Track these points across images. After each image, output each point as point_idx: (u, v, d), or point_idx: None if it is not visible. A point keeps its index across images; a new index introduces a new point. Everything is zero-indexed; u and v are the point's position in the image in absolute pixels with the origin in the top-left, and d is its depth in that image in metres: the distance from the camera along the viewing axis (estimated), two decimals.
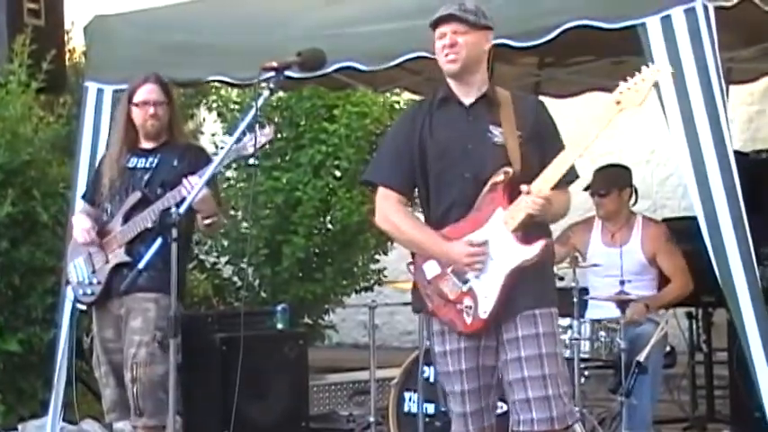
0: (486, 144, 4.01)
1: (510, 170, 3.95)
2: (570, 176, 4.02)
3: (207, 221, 5.08)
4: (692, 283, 5.87)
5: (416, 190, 4.16)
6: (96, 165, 5.61)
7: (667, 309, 6.09)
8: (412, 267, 4.16)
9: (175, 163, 5.15)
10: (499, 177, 3.96)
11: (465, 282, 4.00)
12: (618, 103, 3.87)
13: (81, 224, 5.25)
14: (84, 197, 5.54)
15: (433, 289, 4.07)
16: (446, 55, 4.02)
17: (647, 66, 3.95)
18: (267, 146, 5.10)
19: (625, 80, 3.90)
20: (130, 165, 5.23)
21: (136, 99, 5.20)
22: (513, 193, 3.95)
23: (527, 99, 4.21)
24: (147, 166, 5.21)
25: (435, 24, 4.05)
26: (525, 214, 3.91)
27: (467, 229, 3.99)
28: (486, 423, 4.10)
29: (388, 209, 4.13)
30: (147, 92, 5.19)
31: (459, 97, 4.08)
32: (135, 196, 5.15)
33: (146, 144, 5.25)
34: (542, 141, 4.03)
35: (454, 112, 4.08)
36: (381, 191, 4.15)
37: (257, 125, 4.72)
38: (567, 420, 3.98)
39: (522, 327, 3.96)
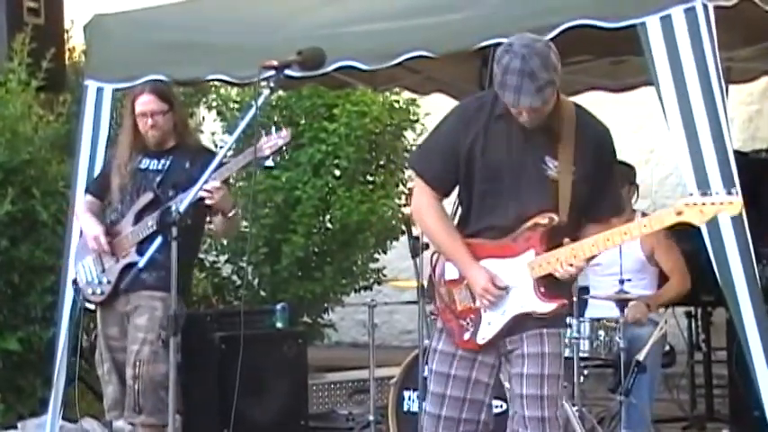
0: (539, 176, 3.88)
1: (556, 218, 3.87)
2: (615, 210, 4.06)
3: (230, 214, 5.10)
4: (689, 280, 5.88)
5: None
6: (103, 163, 5.64)
7: (667, 308, 6.10)
8: (434, 256, 4.11)
9: (187, 165, 5.18)
10: (543, 221, 3.88)
11: (476, 300, 3.97)
12: (679, 213, 3.79)
13: (91, 230, 5.27)
14: (88, 190, 5.54)
15: (445, 292, 4.05)
16: (524, 121, 3.83)
17: (726, 193, 3.84)
18: (284, 148, 5.12)
19: (697, 195, 3.80)
20: (142, 166, 5.26)
21: (136, 110, 5.25)
22: (550, 241, 3.88)
23: (592, 128, 3.97)
24: (160, 167, 5.25)
25: (508, 103, 3.81)
26: (551, 271, 3.87)
27: (495, 253, 3.94)
28: None
29: (423, 204, 4.06)
30: (144, 103, 5.23)
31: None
32: (147, 197, 5.18)
33: (156, 148, 5.29)
34: (597, 182, 3.92)
35: (512, 133, 3.91)
36: (420, 182, 4.07)
37: (273, 127, 4.76)
38: None
39: (529, 344, 3.94)
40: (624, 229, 3.87)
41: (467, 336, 3.98)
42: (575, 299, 5.41)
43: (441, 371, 4.03)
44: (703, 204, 3.77)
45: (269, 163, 5.20)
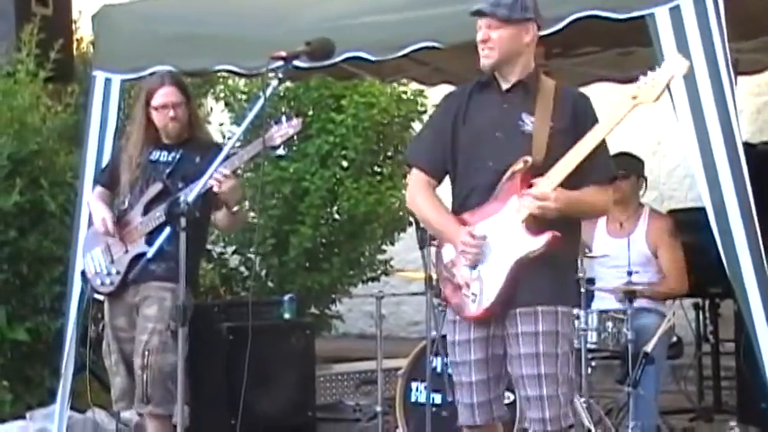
0: (515, 132, 4.00)
1: (529, 159, 3.94)
2: (607, 173, 4.05)
3: (234, 209, 5.10)
4: (685, 284, 5.87)
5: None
6: (112, 155, 5.63)
7: (674, 300, 6.09)
8: (435, 253, 4.21)
9: (198, 160, 5.17)
10: (518, 166, 3.96)
11: (474, 268, 4.02)
12: (634, 97, 3.88)
13: (100, 213, 5.28)
14: (97, 180, 5.55)
15: (447, 273, 4.11)
16: (481, 50, 4.01)
17: (664, 61, 3.93)
18: (295, 137, 5.12)
19: (644, 74, 3.88)
20: (153, 158, 5.26)
21: (155, 102, 5.22)
22: (531, 183, 3.95)
23: (569, 91, 4.15)
24: (170, 159, 5.25)
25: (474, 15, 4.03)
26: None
27: (484, 214, 4.02)
28: (496, 414, 4.09)
29: (416, 190, 4.21)
30: (165, 95, 5.21)
31: (499, 82, 4.08)
32: (156, 187, 5.19)
33: (167, 141, 5.28)
34: (578, 136, 3.98)
35: (491, 99, 4.09)
36: (414, 171, 4.23)
37: (284, 116, 4.76)
38: (560, 423, 3.95)
39: (523, 323, 3.96)
40: (590, 135, 3.91)
41: (474, 305, 4.01)
42: (582, 290, 5.44)
43: (462, 360, 4.09)
44: (652, 80, 3.88)
45: (280, 152, 5.20)
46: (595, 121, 4.06)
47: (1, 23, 6.94)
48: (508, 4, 3.98)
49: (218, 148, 5.42)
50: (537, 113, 4.00)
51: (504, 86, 4.07)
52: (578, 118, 4.04)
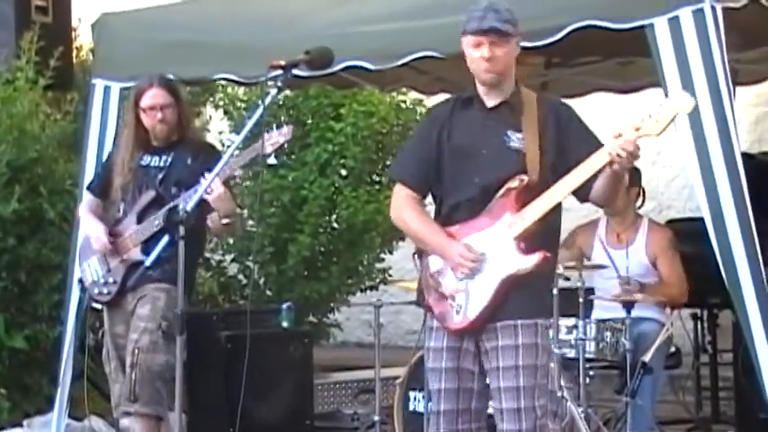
0: (501, 149, 4.01)
1: (525, 178, 3.96)
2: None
3: (225, 221, 5.08)
4: (685, 295, 5.87)
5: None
6: (105, 159, 5.61)
7: (673, 310, 6.09)
8: (418, 260, 4.21)
9: (189, 161, 5.16)
10: (514, 184, 3.97)
11: (461, 280, 4.03)
12: (637, 129, 3.85)
13: (93, 231, 5.26)
14: (89, 188, 5.52)
15: (433, 282, 4.12)
16: (485, 69, 4.00)
17: (670, 98, 3.92)
18: (285, 145, 5.11)
19: (650, 106, 3.87)
20: (144, 163, 5.24)
21: (143, 104, 5.19)
22: (525, 201, 3.96)
23: (550, 104, 4.15)
24: (162, 164, 5.22)
25: (472, 31, 4.01)
26: (529, 224, 3.93)
27: (474, 228, 4.02)
28: (461, 426, 4.07)
29: (400, 205, 4.21)
30: (153, 97, 5.18)
31: (483, 99, 4.09)
32: (149, 195, 5.16)
33: (157, 143, 5.26)
34: (563, 149, 4.01)
35: (475, 115, 4.10)
36: (398, 186, 4.24)
37: (275, 124, 4.75)
38: None
39: (503, 337, 3.98)
40: (590, 160, 3.90)
41: (458, 316, 4.02)
42: (580, 299, 5.44)
43: (434, 367, 4.11)
44: (657, 113, 3.85)
45: (272, 161, 5.19)
46: (580, 127, 4.07)
47: (1, 31, 6.96)
48: (510, 19, 4.00)
49: (210, 147, 5.46)
50: (525, 131, 4.00)
51: (489, 104, 4.08)
52: (562, 131, 4.04)
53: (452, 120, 4.12)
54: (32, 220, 6.51)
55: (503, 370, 3.96)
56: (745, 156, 4.68)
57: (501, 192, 3.99)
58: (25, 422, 6.33)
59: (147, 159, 5.25)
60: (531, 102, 4.08)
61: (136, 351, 5.03)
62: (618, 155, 3.81)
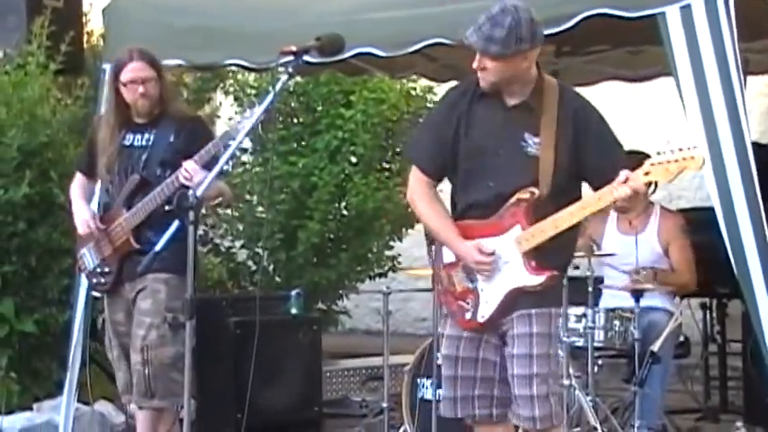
0: (517, 154, 3.99)
1: (536, 192, 3.95)
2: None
3: (212, 203, 5.04)
4: (695, 282, 5.87)
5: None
6: (87, 139, 5.44)
7: (682, 299, 6.08)
8: (434, 247, 4.20)
9: (172, 139, 5.06)
10: (525, 195, 3.96)
11: (472, 281, 4.07)
12: (646, 174, 3.89)
13: (80, 214, 5.21)
14: (78, 167, 5.43)
15: (445, 274, 4.14)
16: (480, 77, 3.99)
17: (686, 148, 3.92)
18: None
19: (659, 153, 3.91)
20: (126, 142, 5.12)
21: (123, 78, 5.04)
22: (535, 214, 3.96)
23: (571, 103, 4.04)
24: (144, 143, 5.10)
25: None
26: (537, 243, 3.95)
27: (484, 232, 4.03)
28: (479, 411, 4.11)
29: (417, 190, 4.20)
30: (134, 70, 5.02)
31: (503, 95, 4.04)
32: (134, 180, 5.07)
33: (139, 119, 5.13)
34: (579, 152, 3.99)
35: (493, 112, 4.05)
36: (415, 169, 4.22)
37: (248, 107, 4.68)
38: (551, 421, 4.01)
39: (518, 325, 4.01)
40: (598, 195, 3.94)
41: (468, 316, 4.07)
42: (589, 288, 5.43)
43: (449, 354, 4.14)
44: (668, 162, 3.88)
45: (246, 144, 5.07)
46: (599, 132, 4.03)
47: (12, 16, 6.95)
48: (501, 39, 3.85)
49: (192, 120, 5.27)
50: (542, 135, 3.96)
51: (509, 102, 4.04)
52: (580, 134, 4.00)
53: (471, 114, 4.07)
54: (43, 205, 6.52)
55: (516, 357, 4.00)
56: (756, 145, 4.67)
57: (513, 200, 3.98)
58: (35, 406, 6.35)
59: (129, 138, 5.12)
60: (552, 101, 4.00)
61: (145, 348, 4.99)
62: (622, 198, 3.87)
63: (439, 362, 5.46)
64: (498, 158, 4.01)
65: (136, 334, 5.04)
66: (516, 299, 4.01)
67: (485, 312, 4.04)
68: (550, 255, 4.00)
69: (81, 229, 5.18)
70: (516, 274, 4.00)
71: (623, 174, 3.87)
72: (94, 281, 5.25)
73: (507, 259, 4.01)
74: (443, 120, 4.15)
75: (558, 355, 4.13)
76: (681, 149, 3.91)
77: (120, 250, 5.10)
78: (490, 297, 4.04)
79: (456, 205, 4.16)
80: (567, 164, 3.98)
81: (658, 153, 3.92)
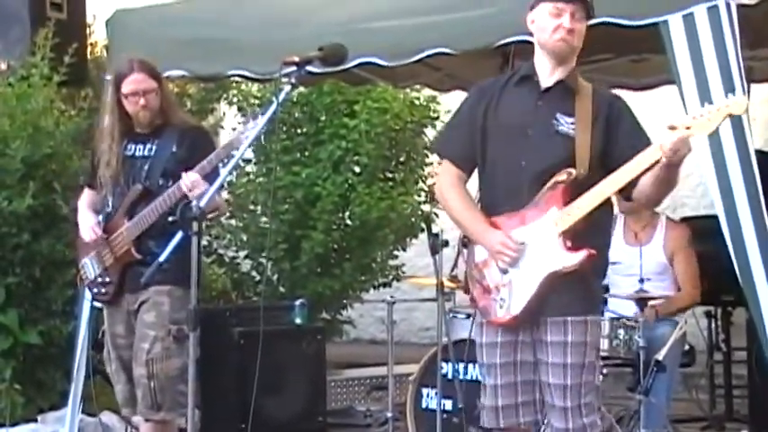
0: (549, 132, 3.93)
1: (573, 172, 3.88)
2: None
3: (210, 215, 4.96)
4: (698, 295, 5.85)
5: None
6: (91, 153, 5.41)
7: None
8: (464, 249, 4.18)
9: (174, 149, 5.03)
10: (562, 177, 3.90)
11: (505, 273, 3.99)
12: (688, 128, 3.76)
13: (86, 221, 5.20)
14: (84, 181, 5.42)
15: (477, 273, 4.07)
16: (561, 38, 3.92)
17: (726, 96, 3.86)
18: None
19: (701, 105, 3.83)
20: (128, 152, 5.10)
21: (124, 90, 5.02)
22: (572, 195, 3.89)
23: (604, 95, 4.06)
24: (146, 153, 5.08)
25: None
26: (575, 220, 3.87)
27: (519, 221, 3.96)
28: (522, 419, 4.03)
29: (445, 184, 4.13)
30: (135, 82, 5.00)
31: (539, 79, 4.00)
32: (136, 190, 5.04)
33: (141, 130, 5.11)
34: (612, 142, 3.95)
35: (526, 94, 4.01)
36: (445, 164, 4.16)
37: (251, 117, 4.67)
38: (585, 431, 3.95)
39: (552, 332, 3.94)
40: (639, 158, 3.83)
41: (502, 310, 3.98)
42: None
43: (489, 362, 4.05)
44: (708, 113, 3.77)
45: (248, 155, 5.03)
46: (632, 122, 4.01)
47: (16, 27, 6.97)
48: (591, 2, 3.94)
49: (194, 130, 5.23)
50: (578, 116, 3.92)
51: (544, 84, 3.99)
52: (612, 124, 3.97)
53: (501, 96, 4.03)
54: (46, 216, 6.53)
55: (551, 366, 3.93)
56: (760, 153, 4.67)
57: (548, 184, 3.91)
58: (39, 417, 6.34)
59: (131, 148, 5.10)
60: (586, 89, 4.00)
61: (150, 362, 4.94)
62: (670, 149, 3.74)
63: (444, 371, 5.51)
64: (528, 138, 3.94)
65: (140, 347, 4.99)
66: (552, 293, 3.90)
67: (519, 303, 3.93)
68: (586, 235, 3.89)
69: (87, 236, 5.18)
70: (553, 256, 3.90)
71: (669, 122, 3.76)
72: (95, 290, 5.22)
73: (543, 243, 3.91)
74: (472, 110, 4.08)
75: (595, 364, 3.98)
76: (719, 100, 3.82)
77: (121, 260, 5.08)
78: (525, 286, 3.93)
79: (483, 195, 4.08)
80: (601, 149, 3.92)
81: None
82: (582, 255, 3.87)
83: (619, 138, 3.95)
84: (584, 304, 3.97)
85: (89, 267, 5.22)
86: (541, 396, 4.02)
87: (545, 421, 4.06)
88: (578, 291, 3.94)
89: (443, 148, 4.26)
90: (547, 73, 4.00)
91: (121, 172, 5.09)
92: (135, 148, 5.11)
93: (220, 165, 4.82)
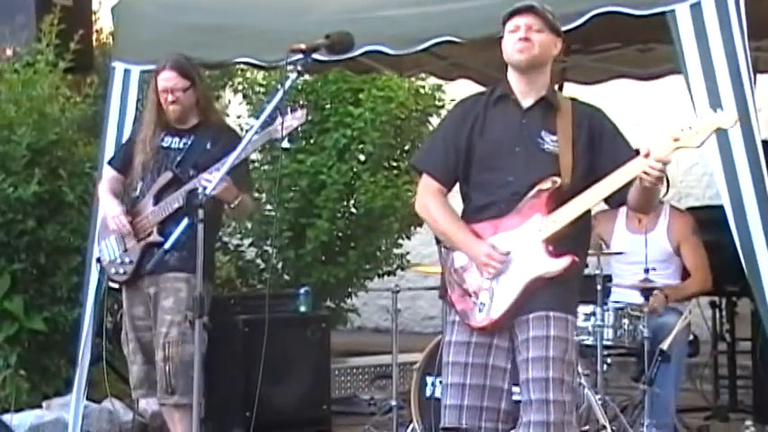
0: (535, 149, 3.99)
1: (558, 180, 3.94)
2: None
3: (233, 204, 5.08)
4: (710, 281, 5.86)
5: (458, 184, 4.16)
6: (129, 135, 5.60)
7: (691, 298, 6.07)
8: (443, 252, 4.16)
9: (209, 146, 5.18)
10: (546, 185, 3.95)
11: (487, 279, 4.01)
12: (676, 140, 3.80)
13: (111, 210, 5.29)
14: (110, 162, 5.54)
15: (456, 278, 4.08)
16: (518, 49, 3.98)
17: (714, 111, 3.89)
18: (299, 129, 5.09)
19: (691, 118, 3.85)
20: (164, 144, 5.27)
21: (158, 86, 5.24)
22: (555, 204, 3.94)
23: (584, 110, 4.11)
24: (181, 146, 5.25)
25: (510, 15, 4.01)
26: (559, 228, 3.91)
27: (502, 228, 4.00)
28: (486, 424, 3.99)
29: (427, 198, 4.16)
30: (165, 79, 5.21)
31: (517, 97, 4.06)
32: (166, 176, 5.19)
33: (178, 125, 5.28)
34: (595, 155, 3.99)
35: (509, 113, 4.06)
36: (424, 178, 4.19)
37: (289, 108, 4.73)
38: (563, 429, 3.91)
39: (534, 327, 3.94)
40: (625, 169, 3.87)
41: (481, 315, 3.99)
42: (598, 286, 5.43)
43: (457, 361, 4.04)
44: (697, 125, 3.81)
45: (285, 144, 5.16)
46: (613, 135, 4.04)
47: (21, 14, 6.96)
48: (550, 11, 4.01)
49: (230, 131, 5.44)
50: (560, 134, 3.98)
51: (525, 104, 4.05)
52: (595, 137, 4.02)
53: (486, 117, 4.08)
54: (52, 203, 6.53)
55: (532, 360, 3.92)
56: (766, 143, 4.66)
57: (532, 193, 3.96)
58: (44, 404, 6.36)
59: (167, 141, 5.28)
60: (566, 105, 4.06)
61: (166, 345, 5.09)
62: (647, 173, 3.79)
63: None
64: (515, 155, 4.00)
65: (159, 332, 5.14)
66: (534, 293, 3.94)
67: (500, 307, 3.96)
68: (569, 242, 3.95)
69: (113, 224, 5.25)
70: (536, 261, 3.94)
71: (645, 146, 3.80)
72: (113, 271, 5.32)
73: (526, 250, 3.95)
74: (454, 127, 4.14)
75: (574, 364, 4.00)
76: (707, 114, 3.85)
77: (143, 242, 5.19)
78: (507, 291, 3.96)
79: (468, 207, 4.12)
80: (584, 164, 3.98)
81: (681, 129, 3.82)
82: (566, 261, 3.93)
83: (603, 151, 4.01)
84: (564, 303, 3.99)
85: (109, 248, 5.31)
86: (506, 406, 4.01)
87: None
88: (559, 291, 3.97)
89: (423, 162, 4.27)
90: (524, 91, 4.05)
91: (154, 160, 5.23)
92: (171, 141, 5.27)
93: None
